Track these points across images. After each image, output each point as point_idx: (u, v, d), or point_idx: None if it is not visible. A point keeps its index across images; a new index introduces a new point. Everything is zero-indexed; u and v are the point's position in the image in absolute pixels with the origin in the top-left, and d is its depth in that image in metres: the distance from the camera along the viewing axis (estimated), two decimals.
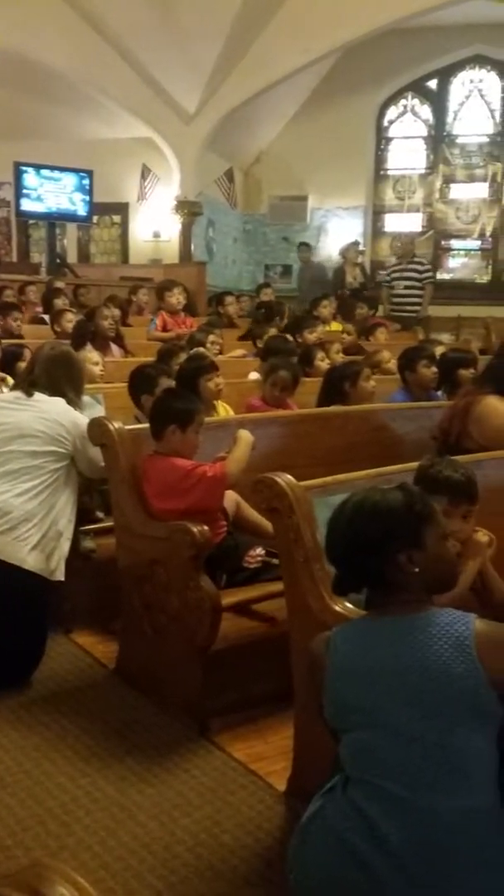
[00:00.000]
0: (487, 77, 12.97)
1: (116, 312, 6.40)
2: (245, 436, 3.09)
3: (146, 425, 3.17)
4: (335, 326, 8.35)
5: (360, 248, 11.82)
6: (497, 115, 13.03)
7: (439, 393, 4.67)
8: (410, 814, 1.49)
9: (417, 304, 9.61)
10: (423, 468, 2.26)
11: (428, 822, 1.48)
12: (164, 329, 7.11)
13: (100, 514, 3.63)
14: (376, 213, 13.53)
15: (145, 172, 12.63)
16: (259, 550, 3.12)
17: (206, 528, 2.82)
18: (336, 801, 1.59)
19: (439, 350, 5.10)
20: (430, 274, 9.89)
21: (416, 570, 1.61)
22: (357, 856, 1.50)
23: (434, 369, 4.52)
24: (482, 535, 2.23)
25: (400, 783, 1.51)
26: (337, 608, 2.13)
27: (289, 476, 2.36)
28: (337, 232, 13.07)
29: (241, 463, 2.97)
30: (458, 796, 1.48)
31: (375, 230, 13.52)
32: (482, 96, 13.05)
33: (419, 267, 9.73)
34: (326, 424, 3.84)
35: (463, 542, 2.21)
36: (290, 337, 6.18)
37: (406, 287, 9.50)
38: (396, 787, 1.51)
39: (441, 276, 13.33)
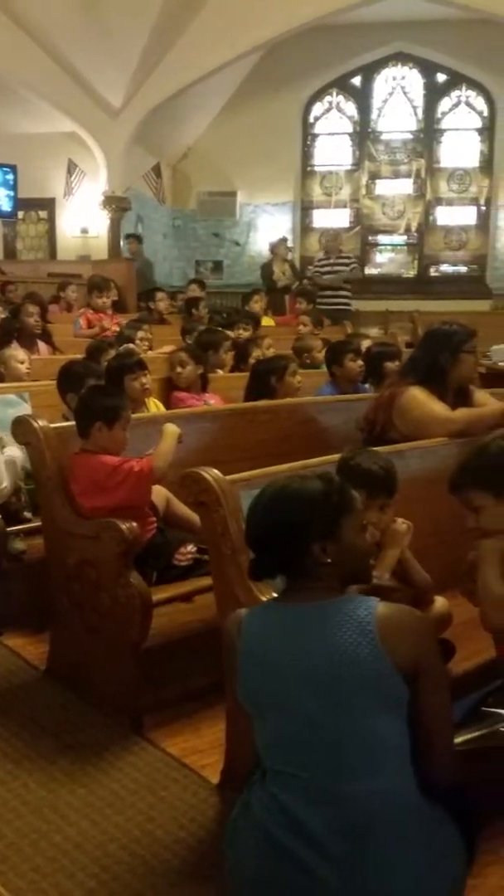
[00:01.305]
0: (410, 74, 13.18)
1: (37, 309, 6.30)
2: (170, 429, 3.08)
3: (73, 423, 3.14)
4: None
5: (289, 244, 11.89)
6: (420, 111, 13.27)
7: (366, 386, 4.74)
8: (327, 800, 1.51)
9: (346, 298, 9.74)
10: (344, 460, 2.29)
11: (345, 806, 1.50)
12: (90, 327, 7.05)
13: (27, 515, 3.58)
14: (304, 209, 13.62)
15: (71, 167, 12.44)
16: (190, 548, 3.12)
17: (134, 524, 2.81)
18: (258, 794, 1.61)
19: (365, 344, 5.18)
20: (355, 265, 10.10)
21: (329, 560, 1.62)
22: (282, 847, 1.52)
23: (360, 363, 4.59)
24: (401, 525, 2.27)
25: (313, 771, 1.54)
26: (264, 599, 2.15)
27: (215, 470, 2.37)
28: (266, 228, 13.12)
29: (168, 456, 2.97)
30: (372, 779, 1.51)
31: (304, 226, 13.62)
32: (405, 93, 13.26)
33: (346, 261, 9.88)
34: (255, 419, 3.87)
35: (383, 531, 2.26)
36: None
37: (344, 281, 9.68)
38: (310, 775, 1.54)
39: (369, 271, 13.52)
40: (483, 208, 13.18)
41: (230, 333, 6.13)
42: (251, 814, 1.60)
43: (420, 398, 3.22)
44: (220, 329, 6.24)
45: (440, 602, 2.34)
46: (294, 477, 1.71)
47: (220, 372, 5.22)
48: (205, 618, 3.26)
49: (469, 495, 1.76)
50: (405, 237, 13.52)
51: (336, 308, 9.46)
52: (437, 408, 3.19)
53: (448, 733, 1.65)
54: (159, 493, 3.27)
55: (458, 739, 1.77)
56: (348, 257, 10.17)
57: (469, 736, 1.89)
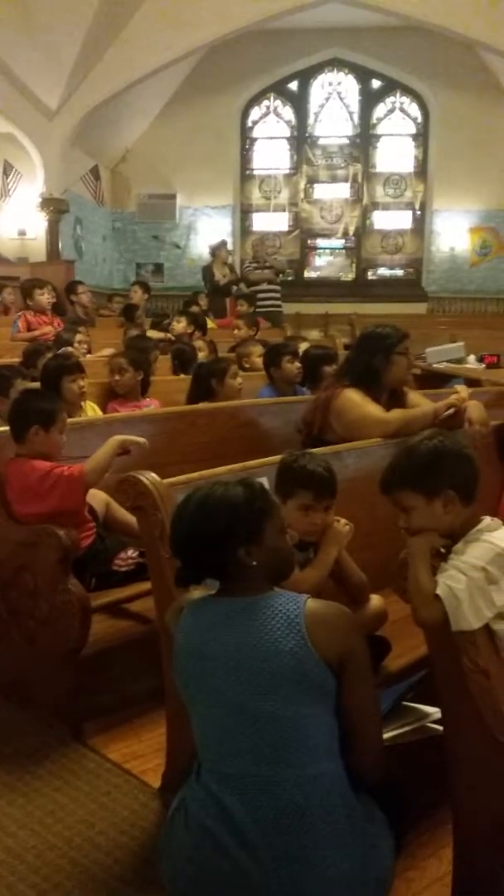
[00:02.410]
0: (345, 80, 13.38)
1: None
2: (113, 439, 3.04)
3: (5, 428, 3.09)
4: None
5: (229, 247, 11.93)
6: (356, 117, 13.46)
7: (305, 388, 4.78)
8: (256, 790, 1.54)
9: (277, 300, 9.87)
10: (286, 463, 2.31)
11: (274, 795, 1.53)
12: (29, 329, 6.94)
13: None
14: (244, 213, 13.69)
15: (7, 169, 12.25)
16: (131, 552, 3.10)
17: (73, 530, 2.79)
18: (193, 789, 1.63)
19: (303, 346, 5.23)
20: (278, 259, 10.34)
21: (254, 563, 1.66)
22: (216, 840, 1.54)
23: (298, 364, 4.63)
24: (343, 525, 2.31)
25: (243, 761, 1.57)
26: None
27: (152, 474, 2.36)
28: (206, 231, 13.14)
29: (100, 464, 2.93)
30: (301, 768, 1.55)
31: (244, 229, 13.67)
32: (341, 99, 13.46)
33: (274, 265, 10.08)
34: (194, 422, 3.87)
35: (323, 531, 2.29)
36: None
37: (268, 283, 9.75)
38: (239, 765, 1.57)
39: (308, 274, 13.68)
40: (418, 213, 13.44)
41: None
42: (186, 809, 1.62)
43: (355, 400, 3.26)
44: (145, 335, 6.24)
45: (376, 600, 2.38)
46: (217, 484, 1.73)
47: None
48: (144, 623, 3.26)
49: (400, 496, 1.79)
50: (343, 241, 13.69)
51: (267, 310, 9.54)
52: (372, 409, 3.24)
53: (375, 728, 1.70)
54: (99, 498, 3.24)
55: (386, 735, 1.81)
56: (276, 260, 10.34)
57: (396, 732, 1.93)
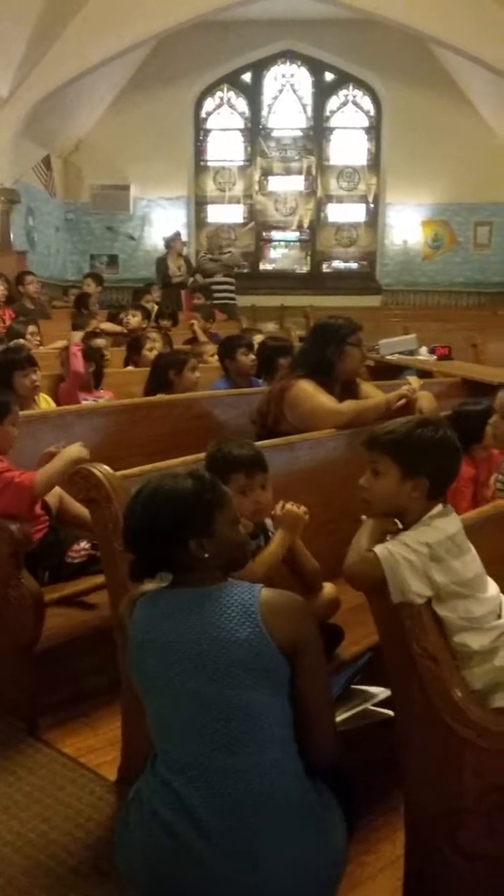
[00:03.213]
0: (298, 72, 13.39)
1: None
2: (69, 452, 2.92)
3: None
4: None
5: (184, 238, 11.88)
6: (309, 109, 13.49)
7: (260, 380, 4.80)
8: (211, 778, 1.56)
9: (232, 292, 9.86)
10: (211, 454, 2.32)
11: (228, 781, 1.55)
12: None
13: None
14: (199, 204, 13.63)
15: None
16: (84, 544, 3.08)
17: (25, 524, 2.76)
18: (148, 781, 1.64)
19: (258, 339, 5.24)
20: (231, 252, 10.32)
21: (206, 555, 1.67)
22: (170, 829, 1.55)
23: (252, 357, 4.64)
24: (298, 507, 2.32)
25: (197, 749, 1.58)
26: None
27: (105, 466, 2.35)
28: (161, 222, 13.05)
29: (52, 478, 2.86)
30: (255, 753, 1.56)
31: (199, 221, 13.62)
32: (294, 91, 13.47)
33: (226, 253, 10.06)
34: (149, 414, 3.86)
35: (276, 517, 2.30)
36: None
37: (223, 276, 9.74)
38: (195, 754, 1.58)
39: (264, 266, 13.68)
40: (372, 206, 13.53)
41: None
42: (141, 800, 1.63)
43: (309, 391, 3.29)
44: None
45: (329, 588, 2.40)
46: (167, 476, 1.73)
47: None
48: (99, 616, 3.24)
49: (380, 458, 1.78)
50: (298, 233, 13.73)
51: (222, 301, 9.53)
52: (325, 400, 3.26)
53: (327, 714, 1.72)
54: (52, 492, 3.21)
55: (336, 720, 1.84)
56: (229, 251, 10.31)
57: (345, 716, 1.96)
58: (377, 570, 1.66)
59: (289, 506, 2.30)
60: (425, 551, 1.67)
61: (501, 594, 1.79)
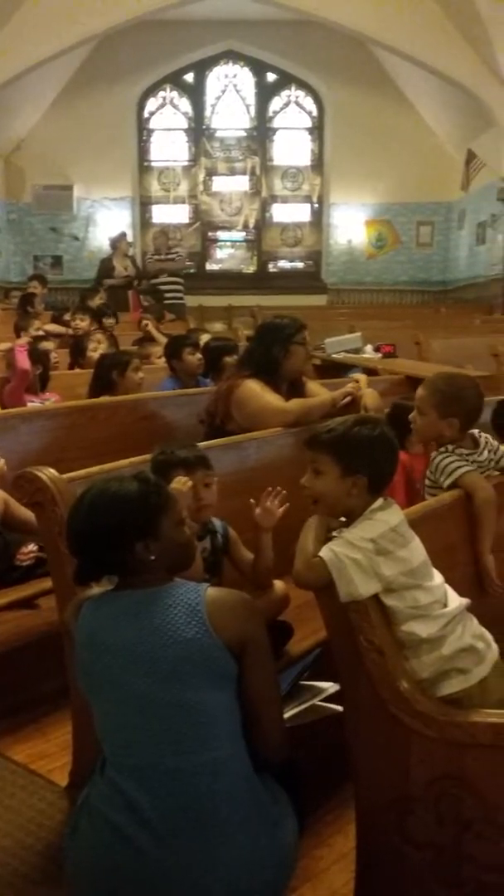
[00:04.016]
0: (241, 72, 13.43)
1: None
2: None
3: None
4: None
5: (129, 239, 11.79)
6: (252, 109, 13.53)
7: (208, 380, 4.80)
8: (160, 779, 1.55)
9: (180, 292, 9.81)
10: (155, 458, 2.33)
11: (177, 781, 1.55)
12: None
13: None
14: (143, 205, 13.56)
15: None
16: (31, 547, 3.05)
17: None
18: (97, 784, 1.63)
19: (204, 338, 5.24)
20: (180, 256, 10.23)
21: (152, 557, 1.67)
22: (121, 832, 1.54)
23: (199, 356, 4.65)
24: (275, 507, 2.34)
25: (146, 750, 1.57)
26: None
27: (50, 469, 2.32)
28: (105, 223, 12.95)
29: None
30: (203, 752, 1.56)
31: (144, 221, 13.55)
32: (237, 91, 13.50)
33: (174, 256, 9.96)
34: (95, 416, 3.82)
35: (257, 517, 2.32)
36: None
37: (169, 276, 9.68)
38: (143, 755, 1.57)
39: (210, 266, 13.68)
40: (316, 206, 13.64)
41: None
42: (90, 805, 1.61)
43: (255, 390, 3.30)
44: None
45: (279, 585, 2.42)
46: (111, 479, 1.72)
47: None
48: (48, 621, 3.21)
49: (320, 457, 1.80)
50: (244, 233, 13.77)
51: (170, 302, 9.48)
52: (272, 399, 3.28)
53: (275, 711, 1.72)
54: None
55: (285, 716, 1.85)
56: (179, 254, 10.26)
57: (294, 711, 1.98)
58: (324, 574, 1.68)
59: (268, 504, 2.32)
60: (370, 547, 1.69)
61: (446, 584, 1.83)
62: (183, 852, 1.52)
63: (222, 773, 1.56)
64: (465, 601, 1.81)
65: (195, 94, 13.46)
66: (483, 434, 2.65)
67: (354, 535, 1.71)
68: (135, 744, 1.59)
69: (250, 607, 1.70)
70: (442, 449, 2.52)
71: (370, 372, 5.23)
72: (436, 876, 1.66)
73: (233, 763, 1.58)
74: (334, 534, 1.77)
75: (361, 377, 4.11)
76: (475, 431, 2.62)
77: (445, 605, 1.76)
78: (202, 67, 13.32)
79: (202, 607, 1.60)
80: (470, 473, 2.44)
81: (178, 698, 1.56)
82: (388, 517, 1.75)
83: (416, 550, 1.77)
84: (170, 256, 9.91)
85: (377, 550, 1.69)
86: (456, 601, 1.79)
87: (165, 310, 8.83)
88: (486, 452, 2.58)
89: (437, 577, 1.80)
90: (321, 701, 2.04)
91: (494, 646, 1.81)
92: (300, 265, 13.87)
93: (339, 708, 1.90)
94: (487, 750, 1.58)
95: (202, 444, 2.71)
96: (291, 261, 13.88)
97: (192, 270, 10.10)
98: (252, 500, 2.38)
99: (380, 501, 1.78)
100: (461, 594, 1.86)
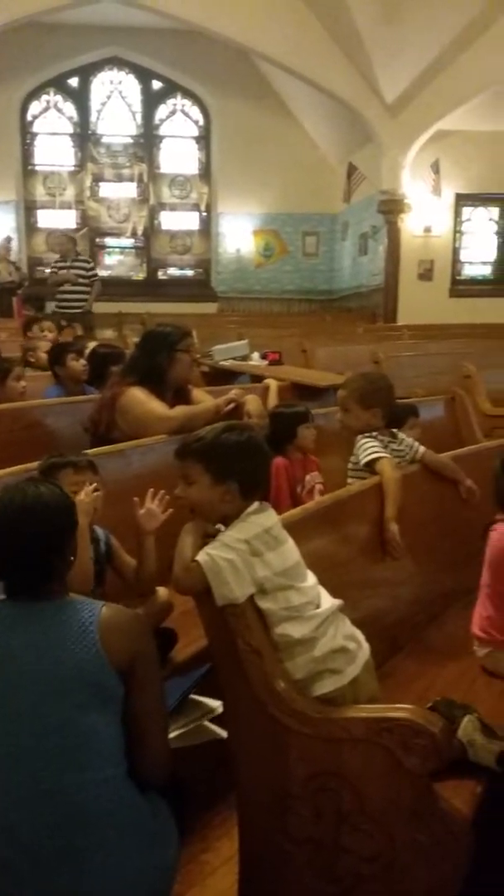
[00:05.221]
0: (126, 79, 13.36)
1: None
2: None
3: None
4: None
5: (13, 243, 11.50)
6: (139, 116, 13.49)
7: (93, 388, 4.73)
8: (40, 799, 1.51)
9: (83, 301, 9.45)
10: (43, 464, 2.31)
11: (57, 802, 1.51)
12: None
13: None
14: (28, 209, 13.27)
15: None
16: None
17: None
18: None
19: (91, 345, 5.17)
20: (95, 271, 9.79)
21: (72, 558, 1.66)
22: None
23: (83, 362, 4.59)
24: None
25: (26, 768, 1.53)
26: None
27: None
28: None
29: None
30: (85, 772, 1.53)
31: (29, 225, 13.26)
32: (123, 98, 13.42)
33: (85, 265, 9.49)
34: None
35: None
36: None
37: (72, 285, 9.28)
38: (23, 773, 1.53)
39: (99, 273, 13.48)
40: (204, 214, 13.71)
41: None
42: None
43: (140, 397, 3.29)
44: None
45: (162, 592, 2.42)
46: (26, 485, 1.67)
47: None
48: None
49: (190, 466, 1.82)
50: (133, 240, 13.68)
51: (72, 311, 9.15)
52: (156, 406, 3.28)
53: (160, 732, 1.70)
54: None
55: (171, 735, 1.84)
56: (87, 261, 9.71)
57: (179, 731, 1.98)
58: (202, 578, 1.69)
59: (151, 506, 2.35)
60: (244, 548, 1.72)
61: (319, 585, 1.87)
62: (57, 874, 1.48)
63: (103, 794, 1.53)
64: (337, 602, 1.85)
65: (80, 98, 13.29)
66: (402, 434, 2.96)
67: (229, 537, 1.73)
68: (15, 762, 1.53)
69: (143, 627, 1.69)
70: (367, 434, 2.77)
71: (258, 379, 5.29)
72: (315, 871, 1.70)
73: (113, 785, 1.55)
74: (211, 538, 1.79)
75: (272, 382, 4.18)
76: (395, 430, 2.92)
77: (318, 606, 1.81)
78: (87, 73, 13.18)
79: (95, 627, 1.57)
80: (383, 460, 2.68)
81: (61, 718, 1.52)
82: (262, 520, 1.79)
83: (289, 553, 1.81)
84: (77, 264, 9.38)
85: (252, 551, 1.72)
86: (328, 602, 1.83)
87: (64, 318, 8.48)
88: (403, 445, 2.88)
89: (311, 578, 1.84)
90: (210, 720, 2.04)
91: (366, 645, 1.87)
92: (190, 273, 13.91)
93: (224, 733, 1.91)
94: (361, 744, 1.63)
95: (86, 452, 2.68)
96: (181, 268, 13.90)
97: (98, 278, 9.60)
98: (136, 499, 2.38)
99: (255, 505, 1.81)
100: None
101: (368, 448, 2.71)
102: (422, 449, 2.91)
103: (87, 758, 1.53)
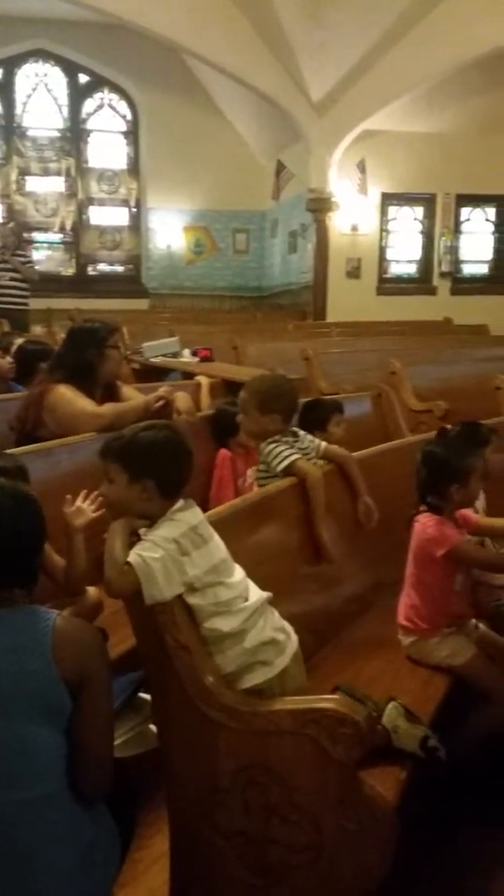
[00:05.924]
0: (52, 72, 13.13)
1: None
2: None
3: None
4: None
5: None
6: (65, 110, 13.28)
7: (21, 386, 4.65)
8: None
9: (24, 296, 9.15)
10: None
11: None
12: None
13: None
14: None
15: None
16: None
17: None
18: None
19: (18, 342, 5.08)
20: (31, 264, 9.58)
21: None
22: None
23: (10, 360, 4.51)
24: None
25: None
26: None
27: None
28: None
29: None
30: (20, 787, 1.51)
31: None
32: (49, 91, 13.19)
33: (22, 259, 9.18)
34: None
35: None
36: None
37: (11, 279, 9.00)
38: None
39: None
40: (134, 210, 13.59)
41: None
42: None
43: (68, 395, 3.26)
44: None
45: (92, 591, 2.40)
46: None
47: None
48: None
49: (110, 466, 1.83)
50: (61, 235, 13.46)
51: (6, 307, 8.86)
52: (85, 404, 3.25)
53: (105, 744, 1.67)
54: None
55: (115, 743, 1.82)
56: (25, 255, 9.45)
57: (121, 739, 1.97)
58: (136, 581, 1.69)
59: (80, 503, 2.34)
60: (173, 547, 1.72)
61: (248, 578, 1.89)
62: None
63: (41, 810, 1.51)
64: (266, 594, 1.88)
65: (4, 91, 13.01)
66: (301, 431, 2.89)
67: (157, 537, 1.74)
68: None
69: (97, 640, 1.66)
70: (269, 440, 2.70)
71: (189, 376, 5.28)
72: (245, 863, 1.72)
73: (57, 800, 1.53)
74: (141, 534, 1.79)
75: (203, 379, 4.18)
76: (294, 428, 2.85)
77: (247, 599, 1.83)
78: (11, 64, 12.90)
79: (48, 639, 1.54)
80: (299, 461, 2.65)
81: (5, 731, 1.50)
82: (188, 517, 1.80)
83: (215, 549, 1.82)
84: (17, 257, 9.06)
85: (180, 551, 1.73)
86: (257, 594, 1.86)
87: (3, 316, 8.20)
88: (306, 442, 2.82)
89: (238, 573, 1.86)
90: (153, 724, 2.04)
91: (294, 636, 1.90)
92: (120, 269, 13.77)
93: None
94: (288, 736, 1.66)
95: (12, 451, 2.64)
96: (111, 264, 13.75)
97: (34, 277, 9.28)
98: (69, 496, 2.37)
99: (180, 503, 1.82)
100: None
101: (279, 454, 2.64)
102: (323, 444, 2.89)
103: (25, 774, 1.51)
